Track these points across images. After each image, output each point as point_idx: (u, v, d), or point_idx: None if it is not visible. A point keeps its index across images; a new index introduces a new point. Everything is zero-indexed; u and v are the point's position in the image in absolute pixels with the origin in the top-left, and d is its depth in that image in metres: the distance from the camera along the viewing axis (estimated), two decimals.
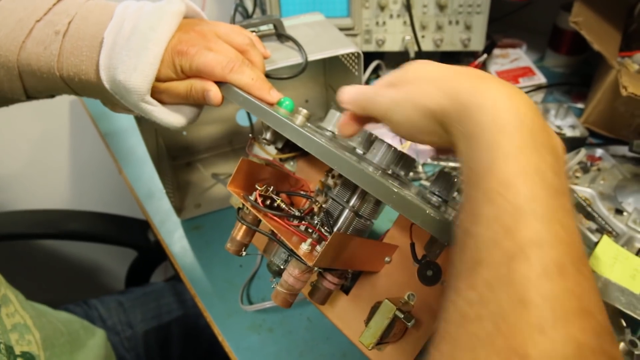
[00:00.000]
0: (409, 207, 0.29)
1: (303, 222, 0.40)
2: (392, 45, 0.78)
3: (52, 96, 0.50)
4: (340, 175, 0.44)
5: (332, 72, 0.71)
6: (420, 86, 0.31)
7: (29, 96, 0.47)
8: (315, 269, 0.37)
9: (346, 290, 0.44)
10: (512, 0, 0.62)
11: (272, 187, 0.41)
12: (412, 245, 0.38)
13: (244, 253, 0.42)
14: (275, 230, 0.37)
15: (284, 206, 0.40)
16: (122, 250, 0.87)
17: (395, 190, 0.30)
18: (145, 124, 0.59)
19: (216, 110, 0.71)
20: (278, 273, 0.40)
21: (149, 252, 0.84)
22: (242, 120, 0.73)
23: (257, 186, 0.40)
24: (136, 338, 0.74)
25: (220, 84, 0.42)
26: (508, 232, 0.23)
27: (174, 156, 0.74)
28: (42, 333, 0.52)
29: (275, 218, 0.38)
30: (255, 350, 0.49)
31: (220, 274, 0.57)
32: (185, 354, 0.78)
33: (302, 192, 0.45)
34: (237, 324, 0.51)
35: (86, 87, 0.43)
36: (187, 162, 0.74)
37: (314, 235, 0.38)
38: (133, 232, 0.84)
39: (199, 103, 0.44)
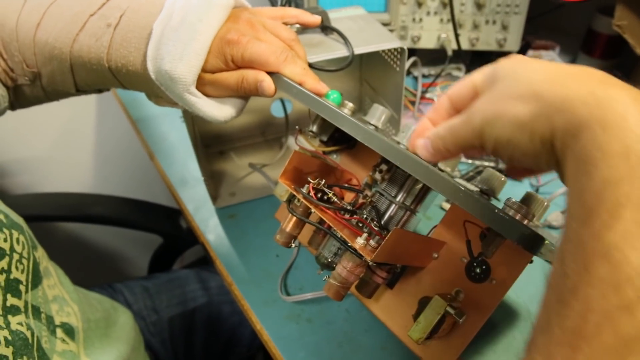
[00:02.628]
0: (476, 205, 0.30)
1: (355, 215, 0.40)
2: (427, 42, 0.78)
3: (100, 91, 0.51)
4: (388, 171, 0.44)
5: (369, 66, 0.71)
6: (516, 93, 0.25)
7: (79, 89, 0.48)
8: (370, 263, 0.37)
9: (390, 284, 0.44)
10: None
11: (323, 180, 0.41)
12: (469, 243, 0.38)
13: (293, 245, 0.42)
14: (329, 223, 0.37)
15: (335, 200, 0.41)
16: (145, 236, 0.88)
17: (462, 188, 0.30)
18: (186, 111, 0.59)
19: (251, 100, 0.72)
20: (327, 265, 0.40)
21: (176, 239, 0.85)
22: (277, 111, 0.73)
23: (309, 179, 0.41)
24: (161, 323, 0.74)
25: (270, 74, 0.42)
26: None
27: (207, 145, 0.74)
28: (80, 306, 0.53)
29: (328, 211, 0.39)
30: (294, 339, 0.49)
31: (257, 263, 0.57)
32: (208, 340, 0.79)
33: (352, 187, 0.45)
34: (275, 313, 0.52)
35: (133, 78, 0.43)
36: (220, 151, 0.74)
37: (365, 229, 0.39)
38: (160, 219, 0.85)
39: (249, 94, 0.44)
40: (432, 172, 0.31)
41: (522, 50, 0.77)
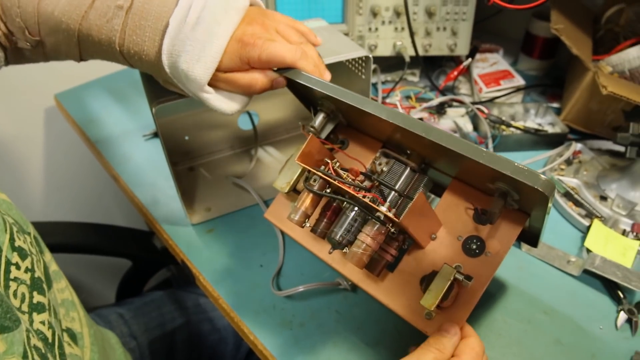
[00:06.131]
0: (500, 160, 0.34)
1: (370, 193, 0.42)
2: (384, 50, 0.81)
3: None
4: (387, 163, 0.47)
5: (333, 76, 0.73)
6: None
7: (82, 59, 0.48)
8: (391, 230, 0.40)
9: (390, 267, 0.46)
10: (490, 4, 0.67)
11: (338, 163, 0.44)
12: (476, 209, 0.41)
13: (307, 224, 0.44)
14: (353, 194, 0.40)
15: (350, 180, 0.43)
16: (110, 262, 0.85)
17: (485, 149, 0.35)
18: (161, 126, 0.58)
19: (217, 115, 0.72)
20: (339, 243, 0.42)
21: (146, 261, 0.82)
22: (244, 124, 0.74)
23: (327, 160, 0.44)
24: (142, 348, 0.72)
25: (286, 70, 0.45)
26: None
27: (174, 162, 0.74)
28: (84, 312, 0.54)
29: (347, 187, 0.41)
30: (290, 345, 0.50)
31: (242, 275, 0.57)
32: None
33: (363, 173, 0.47)
34: (267, 322, 0.52)
35: (144, 64, 0.45)
36: (189, 167, 0.73)
37: (378, 205, 0.41)
38: (128, 242, 0.82)
39: (256, 94, 0.46)
40: (456, 139, 0.35)
41: (472, 54, 0.83)
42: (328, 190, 0.45)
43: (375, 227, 0.39)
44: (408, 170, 0.45)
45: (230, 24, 0.42)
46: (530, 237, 0.48)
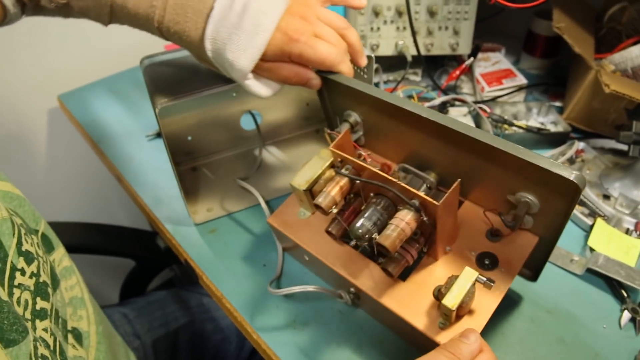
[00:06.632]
0: (535, 155, 0.35)
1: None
2: (386, 49, 0.81)
3: None
4: (404, 178, 0.48)
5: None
6: None
7: (110, 23, 0.47)
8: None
9: (403, 277, 0.46)
10: (492, 3, 0.68)
11: (370, 158, 0.47)
12: (501, 214, 0.41)
13: (334, 209, 0.45)
14: (392, 180, 0.41)
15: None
16: (113, 262, 0.85)
17: (521, 146, 0.36)
18: (165, 128, 0.58)
19: (219, 115, 0.72)
20: (362, 236, 0.41)
21: (150, 261, 0.83)
22: (247, 124, 0.74)
23: (361, 152, 0.47)
24: (145, 348, 0.72)
25: (329, 72, 0.46)
26: None
27: (177, 162, 0.74)
28: (94, 308, 0.53)
29: (384, 174, 0.42)
30: (294, 344, 0.50)
31: (245, 274, 0.58)
32: None
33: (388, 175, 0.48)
34: (271, 322, 0.52)
35: (183, 43, 0.45)
36: (192, 168, 0.73)
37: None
38: (132, 241, 0.82)
39: (292, 85, 0.47)
40: (496, 138, 0.36)
41: (474, 53, 0.83)
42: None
43: (410, 214, 0.39)
44: (425, 186, 0.46)
45: (276, 14, 0.41)
46: (533, 269, 0.48)
